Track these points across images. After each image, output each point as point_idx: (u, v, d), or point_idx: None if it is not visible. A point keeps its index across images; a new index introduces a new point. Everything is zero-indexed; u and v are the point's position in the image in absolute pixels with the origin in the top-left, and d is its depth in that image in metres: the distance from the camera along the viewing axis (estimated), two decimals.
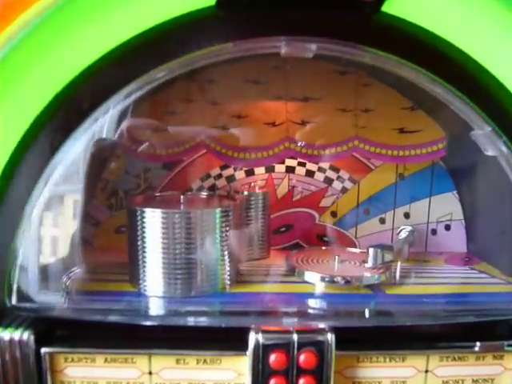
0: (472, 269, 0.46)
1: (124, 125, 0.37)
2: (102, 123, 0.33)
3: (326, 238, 0.52)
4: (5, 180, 0.32)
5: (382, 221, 0.52)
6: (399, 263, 0.45)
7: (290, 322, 0.34)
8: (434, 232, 0.52)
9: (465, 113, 0.35)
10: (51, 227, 0.37)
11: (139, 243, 0.38)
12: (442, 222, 0.52)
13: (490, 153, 0.36)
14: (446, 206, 0.51)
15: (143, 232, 0.38)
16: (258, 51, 0.33)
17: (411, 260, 0.47)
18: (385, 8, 0.32)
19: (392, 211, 0.51)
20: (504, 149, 0.35)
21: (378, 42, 0.33)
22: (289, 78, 0.46)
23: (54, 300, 0.35)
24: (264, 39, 0.33)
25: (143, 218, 0.38)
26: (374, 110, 0.48)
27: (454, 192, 0.51)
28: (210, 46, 0.32)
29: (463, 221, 0.51)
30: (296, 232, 0.52)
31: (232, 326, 0.34)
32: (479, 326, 0.36)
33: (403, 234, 0.49)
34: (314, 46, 0.33)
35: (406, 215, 0.52)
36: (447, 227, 0.52)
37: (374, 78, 0.46)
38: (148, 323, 0.34)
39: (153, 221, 0.38)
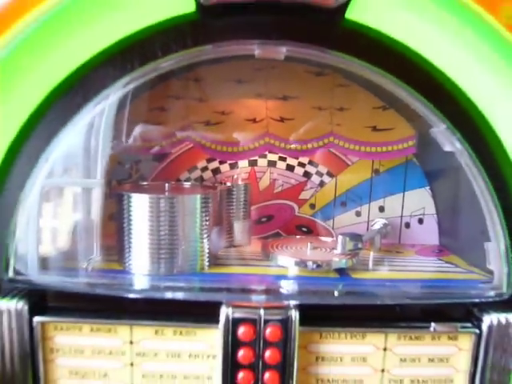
0: (439, 259, 0.48)
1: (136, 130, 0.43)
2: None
3: (304, 229, 0.54)
4: (4, 168, 0.35)
5: (358, 214, 0.53)
6: (372, 253, 0.48)
7: (258, 299, 0.37)
8: (407, 225, 0.53)
9: (423, 111, 0.37)
10: (51, 218, 0.39)
11: (126, 226, 0.41)
12: (415, 215, 0.53)
13: (447, 149, 0.38)
14: (419, 200, 0.52)
15: (130, 216, 0.41)
16: (235, 53, 0.37)
17: (384, 251, 0.50)
18: (349, 15, 0.35)
19: (367, 205, 0.52)
20: (458, 145, 0.37)
21: (342, 46, 0.36)
22: (269, 78, 0.48)
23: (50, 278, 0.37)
24: (239, 42, 0.36)
25: (130, 202, 0.41)
26: (349, 109, 0.49)
27: (427, 188, 0.52)
28: (193, 46, 0.36)
29: (435, 215, 0.52)
30: (276, 222, 0.53)
31: (206, 301, 0.37)
32: (435, 309, 0.38)
33: (377, 226, 0.52)
34: (283, 49, 0.36)
35: (381, 209, 0.53)
36: (420, 221, 0.53)
37: (348, 79, 0.48)
38: (130, 296, 0.37)
39: (139, 205, 0.41)
